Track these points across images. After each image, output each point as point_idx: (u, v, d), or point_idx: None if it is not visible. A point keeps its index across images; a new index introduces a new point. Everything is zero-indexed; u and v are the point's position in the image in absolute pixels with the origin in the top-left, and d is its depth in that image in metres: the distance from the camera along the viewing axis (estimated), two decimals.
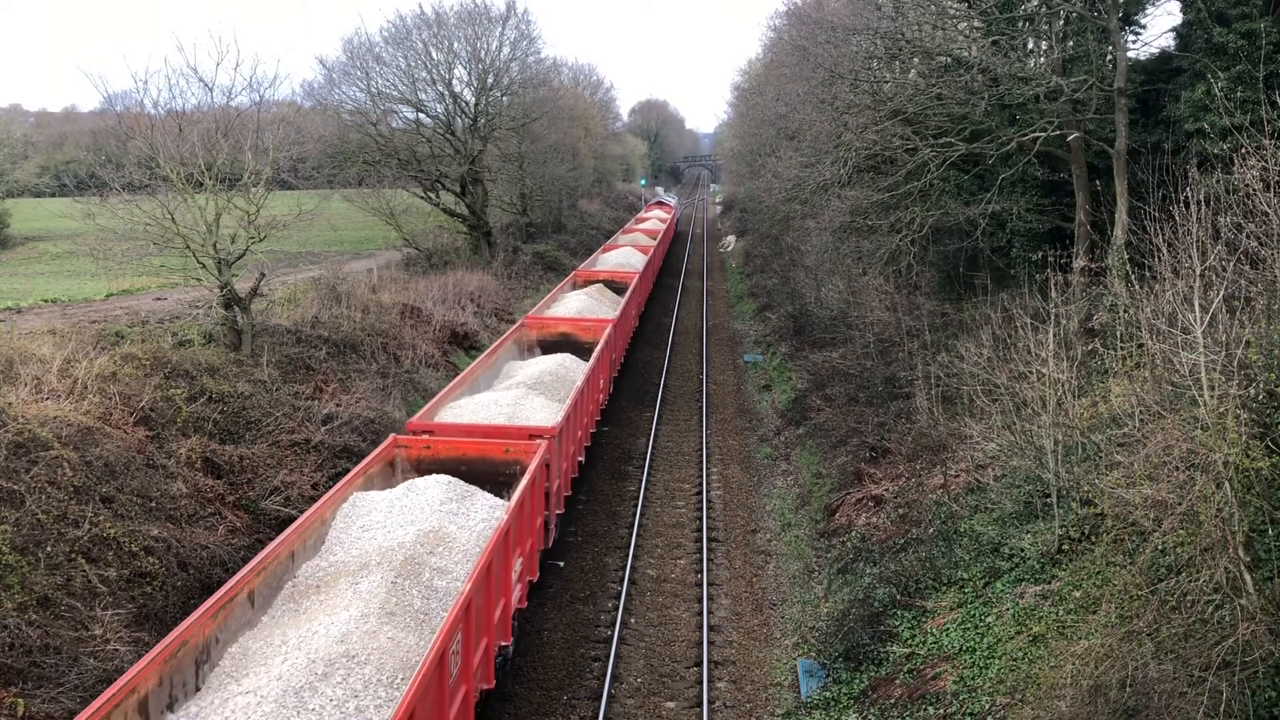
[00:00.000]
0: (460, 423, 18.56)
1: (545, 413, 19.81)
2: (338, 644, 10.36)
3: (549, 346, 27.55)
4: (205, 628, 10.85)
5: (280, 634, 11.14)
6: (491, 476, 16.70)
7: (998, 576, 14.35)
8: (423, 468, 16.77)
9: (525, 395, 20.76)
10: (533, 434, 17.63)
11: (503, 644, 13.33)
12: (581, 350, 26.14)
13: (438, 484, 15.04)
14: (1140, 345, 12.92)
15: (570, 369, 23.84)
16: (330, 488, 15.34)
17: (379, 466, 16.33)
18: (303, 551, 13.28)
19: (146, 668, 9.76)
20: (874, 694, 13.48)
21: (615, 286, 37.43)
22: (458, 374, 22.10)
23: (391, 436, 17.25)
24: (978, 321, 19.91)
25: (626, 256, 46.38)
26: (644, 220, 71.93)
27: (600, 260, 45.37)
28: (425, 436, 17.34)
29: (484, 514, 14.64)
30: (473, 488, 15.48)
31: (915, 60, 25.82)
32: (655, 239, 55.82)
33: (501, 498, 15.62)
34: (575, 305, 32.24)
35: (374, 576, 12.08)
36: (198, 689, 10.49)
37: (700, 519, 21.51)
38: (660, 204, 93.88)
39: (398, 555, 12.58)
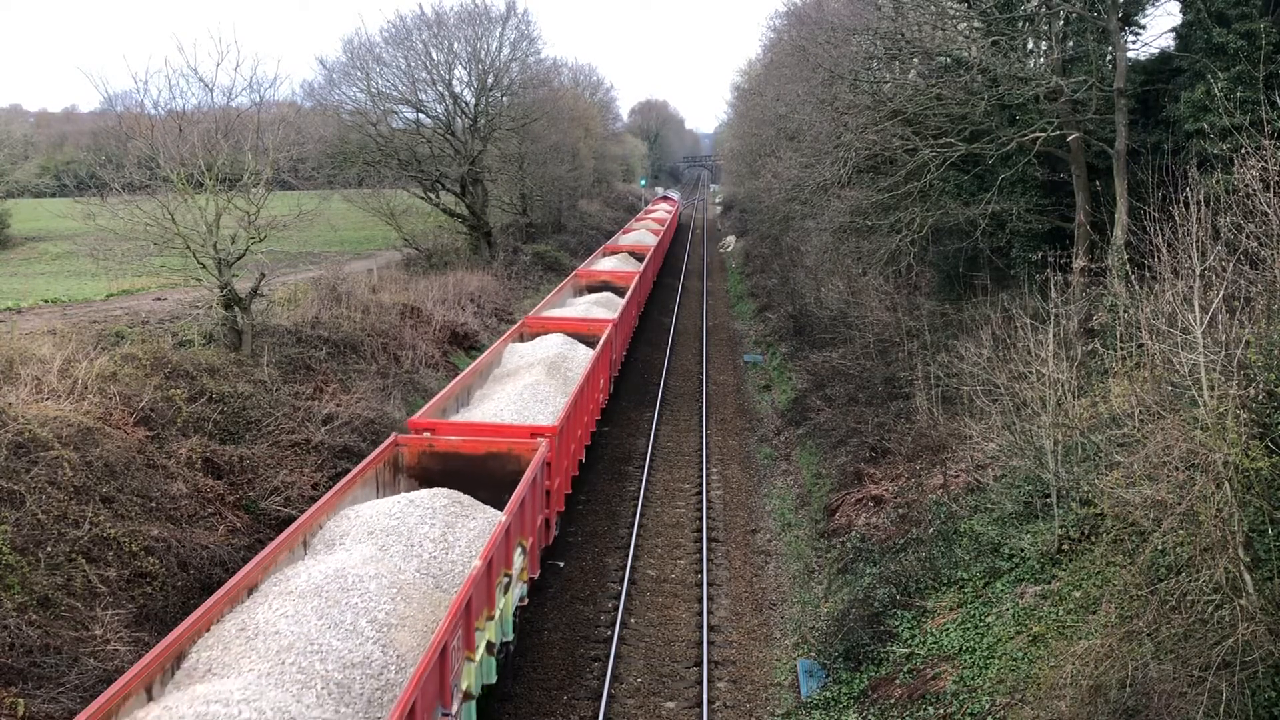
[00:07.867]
0: (557, 317, 30.23)
1: (605, 315, 31.49)
2: (529, 386, 21.61)
3: (594, 290, 39.00)
4: (469, 380, 22.28)
5: (498, 388, 22.34)
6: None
7: (998, 576, 14.35)
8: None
9: (590, 308, 33.76)
10: (603, 322, 29.14)
11: (598, 419, 24.97)
12: (618, 292, 37.81)
13: (558, 337, 26.86)
14: (1140, 345, 12.94)
15: (614, 299, 36.20)
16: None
17: (515, 336, 27.54)
18: (491, 365, 24.55)
19: (451, 389, 20.86)
20: (874, 694, 13.49)
21: (636, 255, 49.33)
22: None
23: (522, 319, 29.64)
24: (978, 322, 19.90)
25: (641, 237, 59.00)
26: (652, 211, 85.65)
27: (621, 239, 58.01)
28: (539, 322, 29.11)
29: (584, 352, 25.84)
30: (576, 341, 26.66)
31: (915, 60, 25.83)
32: (663, 225, 69.25)
33: None
34: (609, 265, 44.98)
35: (536, 369, 23.15)
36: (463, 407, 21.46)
37: (700, 519, 21.52)
38: (665, 198, 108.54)
39: (545, 362, 23.64)
